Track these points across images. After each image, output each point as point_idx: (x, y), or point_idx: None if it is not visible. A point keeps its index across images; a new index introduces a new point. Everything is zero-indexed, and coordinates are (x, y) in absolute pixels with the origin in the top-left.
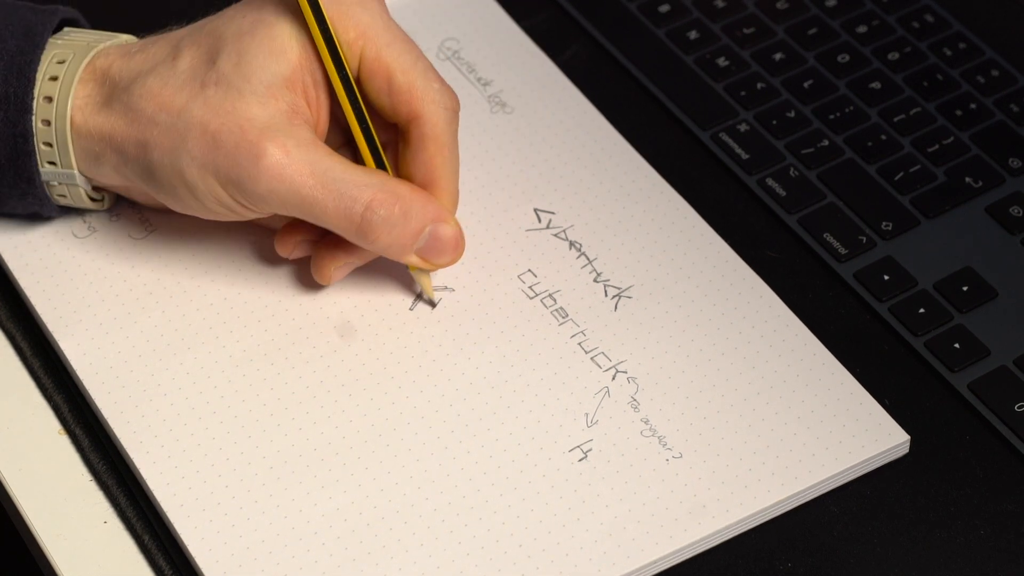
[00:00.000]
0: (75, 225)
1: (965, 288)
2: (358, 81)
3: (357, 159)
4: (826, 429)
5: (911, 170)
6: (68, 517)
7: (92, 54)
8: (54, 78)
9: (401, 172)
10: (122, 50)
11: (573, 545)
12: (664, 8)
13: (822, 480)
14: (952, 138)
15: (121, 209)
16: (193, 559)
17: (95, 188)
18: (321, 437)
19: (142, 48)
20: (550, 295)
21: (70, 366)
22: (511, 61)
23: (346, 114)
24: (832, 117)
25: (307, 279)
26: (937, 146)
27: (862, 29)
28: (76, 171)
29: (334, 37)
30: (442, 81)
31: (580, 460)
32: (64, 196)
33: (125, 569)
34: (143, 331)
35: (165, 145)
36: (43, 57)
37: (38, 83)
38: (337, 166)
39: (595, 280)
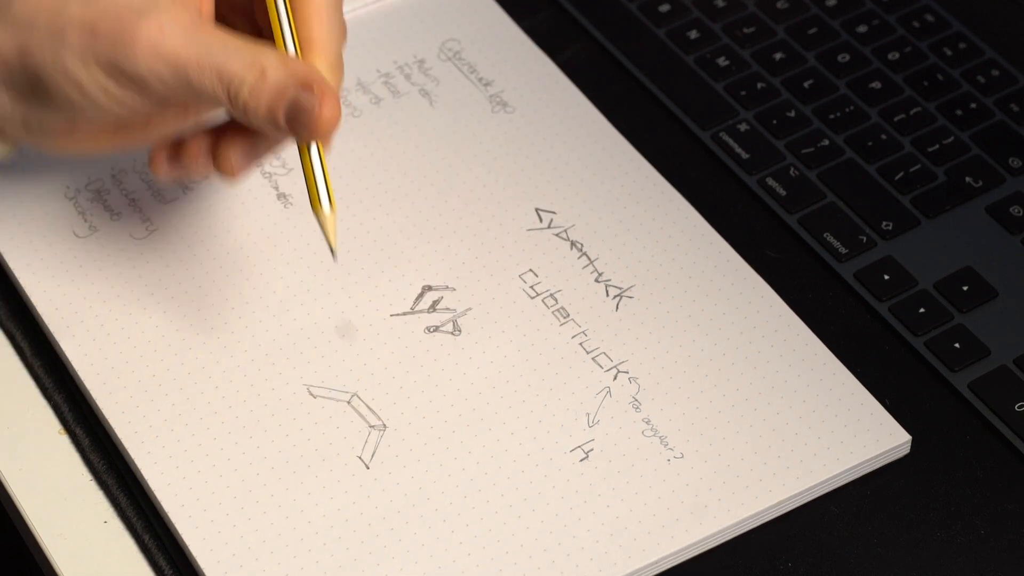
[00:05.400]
0: (76, 225)
1: (965, 288)
2: None
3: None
4: (827, 429)
5: (911, 170)
6: (68, 517)
7: None
8: None
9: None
10: None
11: (574, 545)
12: (664, 8)
13: (823, 480)
14: (952, 138)
15: (122, 208)
16: (194, 559)
17: None
18: (322, 437)
19: None
20: (551, 295)
21: (70, 366)
22: (512, 61)
23: None
24: (832, 117)
25: (308, 279)
26: (937, 146)
27: (862, 29)
28: None
29: None
30: None
31: (581, 460)
32: None
33: (125, 569)
34: (143, 331)
35: (46, 45)
36: None
37: None
38: (212, 38)
39: (596, 280)
